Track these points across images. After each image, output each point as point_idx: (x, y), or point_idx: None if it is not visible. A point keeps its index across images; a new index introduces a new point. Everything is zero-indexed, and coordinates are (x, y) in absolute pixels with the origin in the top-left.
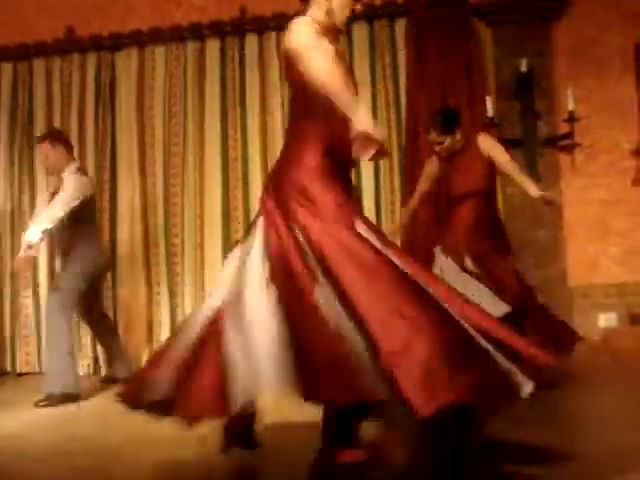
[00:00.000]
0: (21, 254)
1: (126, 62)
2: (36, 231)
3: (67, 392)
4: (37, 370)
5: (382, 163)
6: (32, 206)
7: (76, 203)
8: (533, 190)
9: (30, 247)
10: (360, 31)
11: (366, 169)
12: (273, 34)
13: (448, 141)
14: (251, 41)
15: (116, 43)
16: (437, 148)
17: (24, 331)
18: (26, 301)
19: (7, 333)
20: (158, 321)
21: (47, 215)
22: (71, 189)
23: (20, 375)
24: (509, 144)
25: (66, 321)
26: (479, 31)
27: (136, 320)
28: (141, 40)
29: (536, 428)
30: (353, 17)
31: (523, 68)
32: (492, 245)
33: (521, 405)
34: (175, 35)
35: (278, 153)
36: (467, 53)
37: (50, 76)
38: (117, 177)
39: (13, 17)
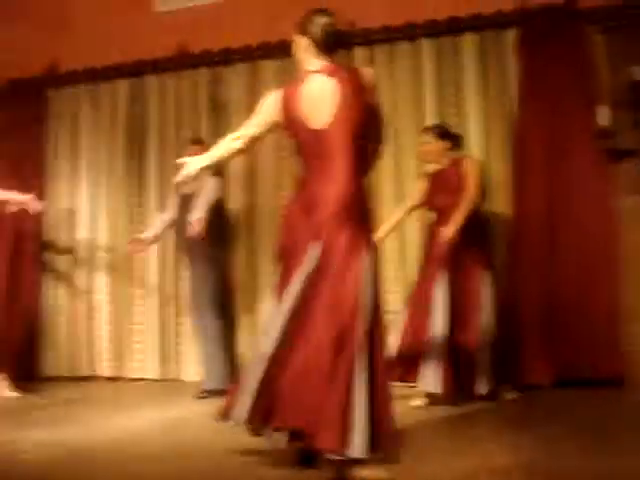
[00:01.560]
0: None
1: (236, 77)
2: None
3: (219, 387)
4: (148, 376)
5: (493, 175)
6: (145, 211)
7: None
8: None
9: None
10: (469, 42)
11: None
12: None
13: (433, 145)
14: (359, 54)
15: (227, 58)
16: (421, 148)
17: (137, 338)
18: (138, 308)
19: (120, 339)
20: None
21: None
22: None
23: (134, 380)
24: (622, 154)
25: (217, 319)
26: (591, 38)
27: None
28: (251, 55)
29: None
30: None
31: (636, 76)
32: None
33: None
34: (284, 50)
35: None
36: (579, 61)
37: (163, 91)
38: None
39: (128, 36)
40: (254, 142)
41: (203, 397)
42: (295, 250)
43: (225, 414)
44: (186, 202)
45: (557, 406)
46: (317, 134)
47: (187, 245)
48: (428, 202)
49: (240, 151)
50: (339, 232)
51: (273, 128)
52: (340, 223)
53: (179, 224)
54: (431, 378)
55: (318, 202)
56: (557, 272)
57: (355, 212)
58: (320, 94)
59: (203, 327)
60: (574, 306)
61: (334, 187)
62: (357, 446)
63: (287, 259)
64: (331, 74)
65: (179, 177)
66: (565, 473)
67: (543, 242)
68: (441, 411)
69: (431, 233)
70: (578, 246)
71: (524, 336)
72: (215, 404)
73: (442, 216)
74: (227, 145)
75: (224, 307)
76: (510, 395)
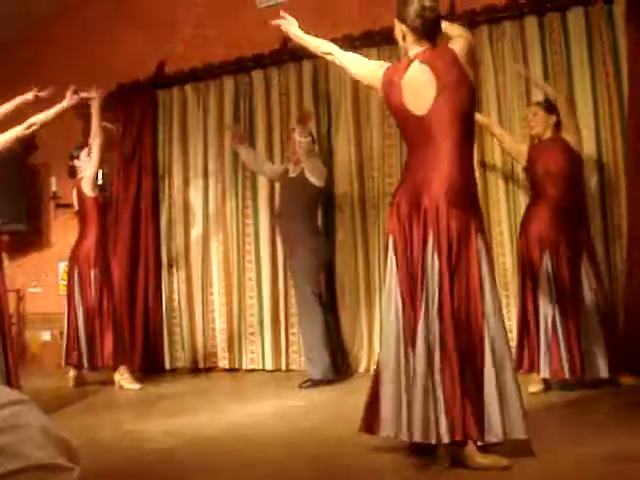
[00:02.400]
0: None
1: (338, 67)
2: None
3: (324, 377)
4: (261, 367)
5: (605, 156)
6: (255, 205)
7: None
8: None
9: None
10: (575, 18)
11: (589, 164)
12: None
13: (541, 117)
14: None
15: None
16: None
17: (250, 329)
18: (250, 302)
19: (235, 333)
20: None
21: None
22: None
23: (250, 371)
24: None
25: (319, 310)
26: None
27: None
28: (353, 44)
29: None
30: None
31: None
32: None
33: None
34: (386, 37)
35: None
36: None
37: (269, 86)
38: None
39: (232, 34)
40: (339, 63)
41: (306, 387)
42: (405, 240)
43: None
44: (288, 190)
45: None
46: (420, 120)
47: (288, 235)
48: (529, 168)
49: (326, 54)
50: (449, 219)
51: (367, 82)
52: (448, 209)
53: (282, 213)
54: (547, 364)
55: (425, 189)
56: None
57: (462, 197)
58: (419, 82)
59: (305, 317)
60: None
61: (439, 173)
62: (495, 431)
63: (397, 249)
64: (427, 61)
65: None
66: None
67: None
68: (559, 397)
69: (530, 214)
70: None
71: None
72: (322, 392)
73: (537, 187)
74: (321, 43)
75: (327, 297)
76: (629, 381)
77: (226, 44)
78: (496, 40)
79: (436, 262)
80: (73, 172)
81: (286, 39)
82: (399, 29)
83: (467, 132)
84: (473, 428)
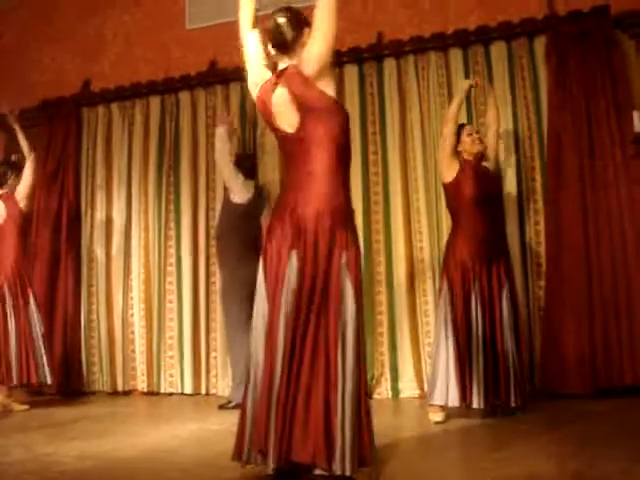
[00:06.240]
0: None
1: None
2: None
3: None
4: (180, 391)
5: (525, 183)
6: (178, 226)
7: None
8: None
9: None
10: (498, 51)
11: (509, 189)
12: (411, 57)
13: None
14: (389, 65)
15: None
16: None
17: (170, 352)
18: (170, 324)
19: (154, 355)
20: None
21: None
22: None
23: (169, 395)
24: None
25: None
26: (623, 44)
27: None
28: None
29: None
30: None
31: None
32: None
33: None
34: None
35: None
36: (611, 67)
37: (195, 107)
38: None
39: (160, 54)
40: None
41: (225, 407)
42: (276, 258)
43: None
44: (232, 210)
45: (598, 414)
46: (290, 137)
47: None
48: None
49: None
50: (317, 238)
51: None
52: (317, 228)
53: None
54: (452, 392)
55: (295, 206)
56: (595, 280)
57: (334, 216)
58: (281, 103)
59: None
60: (613, 314)
61: (309, 192)
62: (344, 462)
63: (269, 266)
64: (283, 80)
65: None
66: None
67: (579, 250)
68: (464, 424)
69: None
70: (615, 253)
71: (563, 344)
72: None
73: (466, 211)
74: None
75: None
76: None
77: (153, 64)
78: (422, 69)
79: (303, 291)
80: None
81: (213, 61)
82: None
83: (338, 150)
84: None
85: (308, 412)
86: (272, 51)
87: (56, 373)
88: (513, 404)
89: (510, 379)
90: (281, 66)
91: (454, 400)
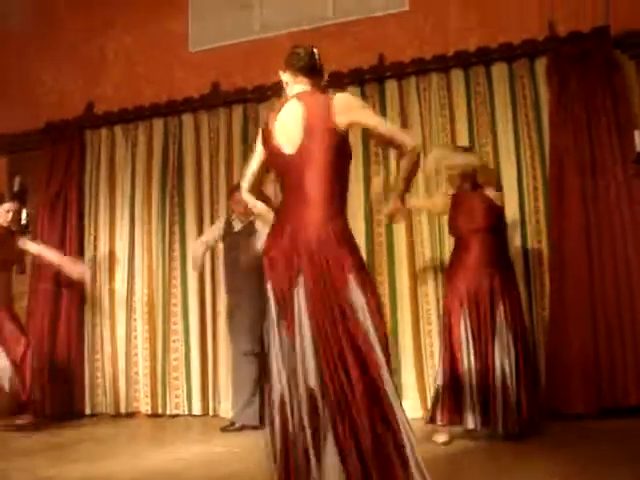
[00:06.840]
0: None
1: (269, 113)
2: None
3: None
4: (186, 412)
5: (527, 204)
6: (183, 247)
7: None
8: None
9: None
10: (499, 72)
11: (510, 211)
12: (413, 79)
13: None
14: (390, 87)
15: (260, 95)
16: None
17: (174, 374)
18: (175, 345)
19: (159, 377)
20: None
21: None
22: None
23: (173, 417)
24: None
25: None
26: (623, 64)
27: None
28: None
29: None
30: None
31: None
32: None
33: None
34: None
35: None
36: (611, 87)
37: (198, 129)
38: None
39: (163, 76)
40: (257, 181)
41: (227, 429)
42: (280, 290)
43: None
44: (237, 240)
45: (602, 433)
46: (289, 159)
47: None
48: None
49: (251, 192)
50: (320, 262)
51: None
52: (318, 252)
53: (231, 261)
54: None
55: (294, 231)
56: (599, 301)
57: (333, 239)
58: (290, 118)
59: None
60: (618, 334)
61: (308, 216)
62: None
63: (273, 298)
64: (301, 99)
65: None
66: None
67: (582, 270)
68: (469, 445)
69: (454, 261)
70: (618, 273)
71: (567, 364)
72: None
73: (461, 241)
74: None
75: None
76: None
77: (156, 86)
78: (423, 90)
79: (313, 316)
80: None
81: (216, 84)
82: (283, 78)
83: (337, 174)
84: None
85: None
86: (289, 76)
87: (58, 396)
88: (501, 431)
89: (498, 407)
90: (296, 89)
91: (455, 422)
